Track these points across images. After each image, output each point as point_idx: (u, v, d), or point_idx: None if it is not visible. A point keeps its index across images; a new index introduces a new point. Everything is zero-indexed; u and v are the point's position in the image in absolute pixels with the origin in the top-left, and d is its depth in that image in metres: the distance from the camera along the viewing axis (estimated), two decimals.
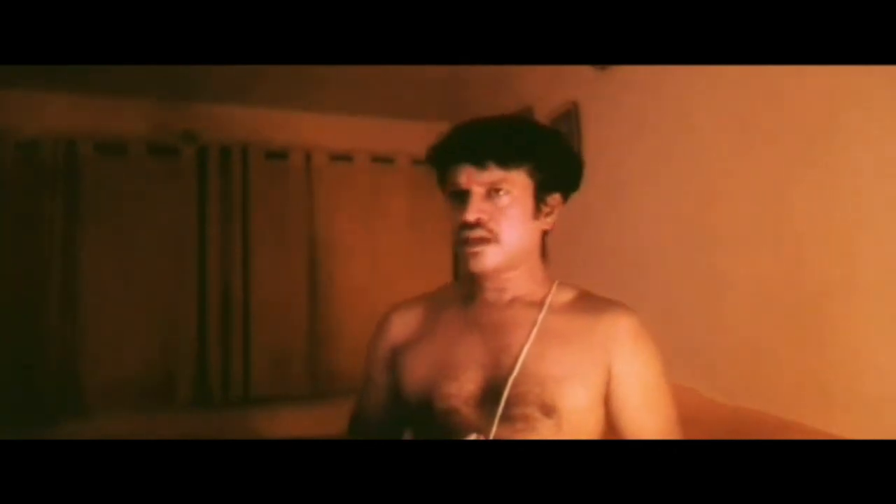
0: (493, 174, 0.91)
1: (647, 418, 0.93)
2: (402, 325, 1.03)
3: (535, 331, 0.93)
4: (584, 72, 2.11)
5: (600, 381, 0.92)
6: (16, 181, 2.46)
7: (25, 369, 2.40)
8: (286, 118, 2.90)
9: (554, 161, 0.96)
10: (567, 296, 0.99)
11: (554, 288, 0.99)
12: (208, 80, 2.49)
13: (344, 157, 2.96)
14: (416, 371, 0.97)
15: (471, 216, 0.90)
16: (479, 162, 0.91)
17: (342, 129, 2.98)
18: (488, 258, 0.92)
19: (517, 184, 0.92)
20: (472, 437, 0.87)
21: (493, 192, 0.91)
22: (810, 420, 1.22)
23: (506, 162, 0.91)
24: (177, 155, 2.70)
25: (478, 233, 0.91)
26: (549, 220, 0.98)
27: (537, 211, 0.95)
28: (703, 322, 1.64)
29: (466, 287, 1.01)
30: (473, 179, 0.91)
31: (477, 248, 0.91)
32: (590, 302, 0.98)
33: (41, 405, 2.41)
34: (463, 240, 0.92)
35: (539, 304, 0.96)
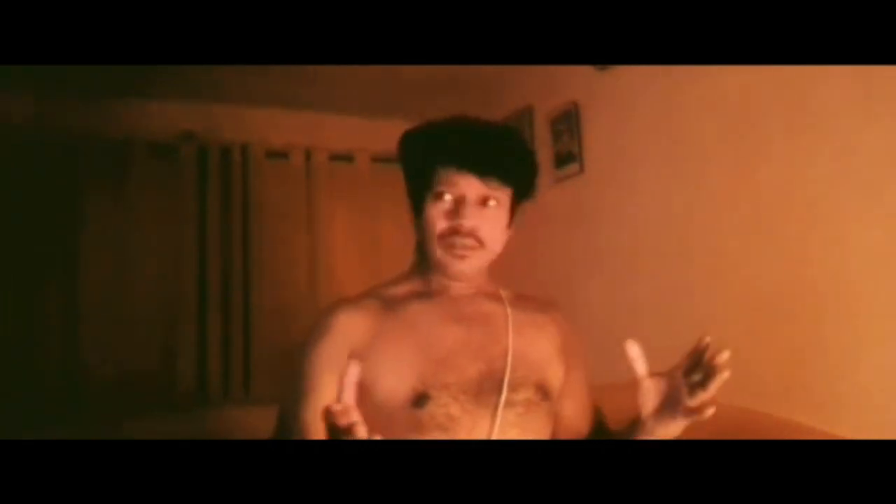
0: (491, 186, 0.93)
1: (586, 403, 1.04)
2: (355, 326, 0.95)
3: (510, 320, 0.97)
4: (584, 72, 2.11)
5: (565, 366, 1.01)
6: (16, 181, 2.46)
7: (25, 369, 2.40)
8: (286, 118, 2.90)
9: (531, 178, 1.00)
10: (509, 293, 1.04)
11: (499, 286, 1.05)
12: (208, 80, 2.49)
13: (344, 157, 2.96)
14: (397, 368, 0.91)
15: (468, 224, 0.91)
16: (484, 174, 0.92)
17: (342, 129, 2.97)
18: (473, 263, 0.94)
19: (503, 194, 0.95)
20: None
21: (484, 199, 0.93)
22: (810, 420, 1.22)
23: (507, 178, 0.93)
24: (177, 155, 2.69)
25: (469, 241, 0.92)
26: (512, 229, 1.00)
27: (510, 220, 0.99)
28: (701, 322, 1.64)
29: (422, 282, 1.00)
30: (473, 188, 0.92)
31: (465, 253, 0.93)
32: (529, 299, 1.06)
33: (41, 405, 2.41)
34: (450, 243, 0.92)
35: (494, 298, 1.01)
